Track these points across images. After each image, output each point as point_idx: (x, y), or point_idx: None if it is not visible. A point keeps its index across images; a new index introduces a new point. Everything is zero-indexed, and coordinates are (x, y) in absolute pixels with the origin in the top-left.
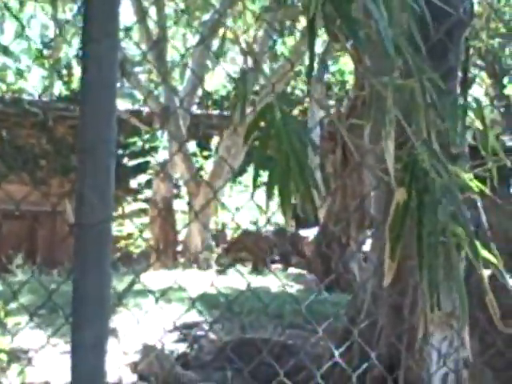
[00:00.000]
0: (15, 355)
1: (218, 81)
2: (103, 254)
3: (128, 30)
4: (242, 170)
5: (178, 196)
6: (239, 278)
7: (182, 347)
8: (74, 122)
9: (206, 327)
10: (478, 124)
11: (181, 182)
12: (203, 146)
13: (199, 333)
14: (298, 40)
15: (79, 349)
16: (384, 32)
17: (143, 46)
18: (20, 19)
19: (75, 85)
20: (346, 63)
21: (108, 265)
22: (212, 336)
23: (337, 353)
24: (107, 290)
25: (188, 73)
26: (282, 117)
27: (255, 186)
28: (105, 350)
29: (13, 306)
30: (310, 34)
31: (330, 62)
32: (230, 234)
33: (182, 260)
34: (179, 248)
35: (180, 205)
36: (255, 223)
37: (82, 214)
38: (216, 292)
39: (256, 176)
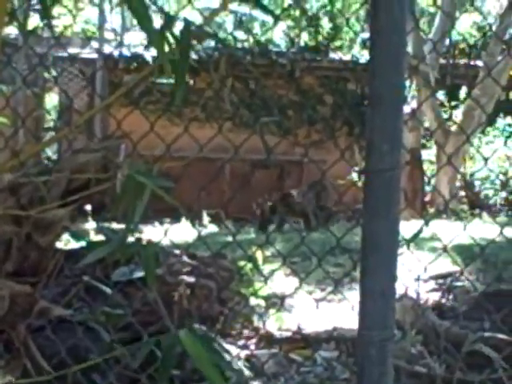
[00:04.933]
0: (271, 301)
1: (464, 29)
2: (392, 200)
3: None
4: (492, 121)
5: (425, 146)
6: (492, 228)
7: (436, 297)
8: (320, 73)
9: (461, 277)
10: None
11: (428, 132)
12: (451, 95)
13: (454, 283)
14: None
15: (369, 294)
16: None
17: None
18: None
19: (322, 36)
20: None
21: (397, 211)
22: (466, 286)
23: None
24: (396, 236)
25: (436, 21)
26: None
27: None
28: (394, 296)
29: (268, 253)
30: None
31: None
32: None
33: (430, 210)
34: (427, 198)
35: (428, 155)
36: (504, 174)
37: (371, 160)
38: (468, 243)
39: None
